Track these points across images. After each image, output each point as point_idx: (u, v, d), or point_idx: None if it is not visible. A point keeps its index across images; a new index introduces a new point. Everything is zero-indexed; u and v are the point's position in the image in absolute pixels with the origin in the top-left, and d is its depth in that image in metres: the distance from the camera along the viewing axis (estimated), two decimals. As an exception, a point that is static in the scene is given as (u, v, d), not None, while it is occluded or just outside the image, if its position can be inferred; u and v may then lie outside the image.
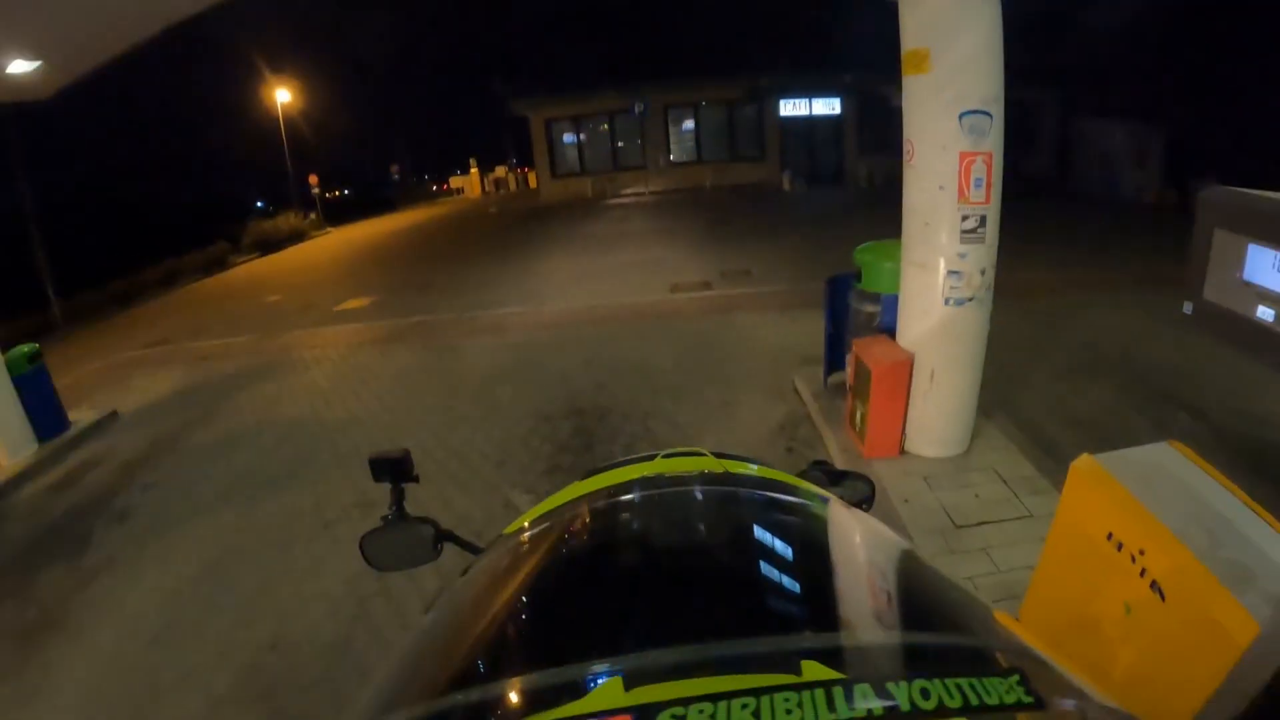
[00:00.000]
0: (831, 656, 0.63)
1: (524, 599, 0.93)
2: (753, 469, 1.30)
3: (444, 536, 1.55)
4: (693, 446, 1.34)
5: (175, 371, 8.87)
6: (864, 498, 1.51)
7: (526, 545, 1.07)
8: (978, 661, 0.67)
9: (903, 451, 4.46)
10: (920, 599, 0.86)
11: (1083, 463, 2.17)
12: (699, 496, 1.13)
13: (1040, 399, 5.30)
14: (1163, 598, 1.80)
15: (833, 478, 1.52)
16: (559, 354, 7.70)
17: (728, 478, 1.19)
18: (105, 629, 3.88)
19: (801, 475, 1.50)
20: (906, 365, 4.25)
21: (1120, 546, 1.96)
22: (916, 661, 0.69)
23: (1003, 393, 5.20)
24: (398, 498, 1.62)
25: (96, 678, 3.50)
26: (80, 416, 7.07)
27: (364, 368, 8.09)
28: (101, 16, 6.10)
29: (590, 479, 1.31)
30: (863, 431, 4.51)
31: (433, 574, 3.81)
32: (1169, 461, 2.11)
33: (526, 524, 1.16)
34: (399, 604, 3.73)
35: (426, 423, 6.18)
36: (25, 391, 6.38)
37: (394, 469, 1.62)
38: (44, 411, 6.59)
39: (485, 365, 7.64)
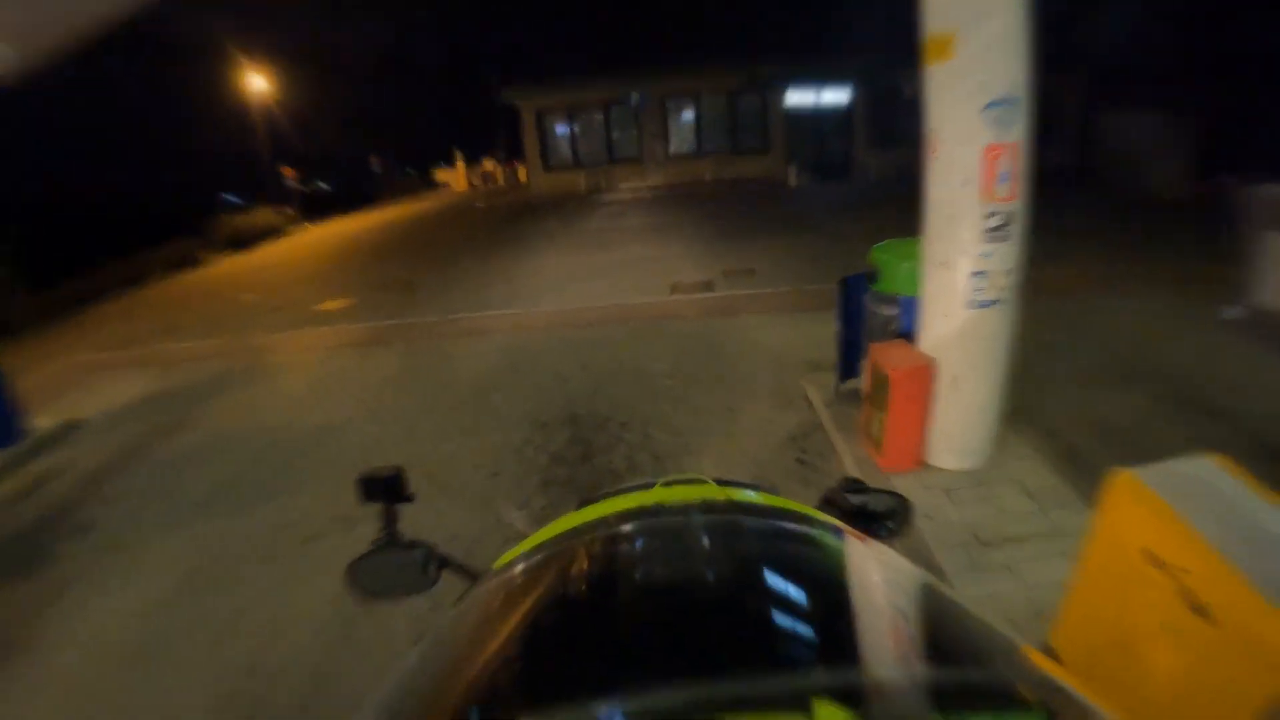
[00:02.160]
0: (845, 695, 0.62)
1: (519, 636, 0.92)
2: (757, 496, 1.30)
3: (441, 562, 1.52)
4: (693, 473, 1.36)
5: (143, 375, 8.83)
6: (898, 519, 1.49)
7: (520, 579, 1.07)
8: (1002, 697, 0.68)
9: (922, 463, 4.47)
10: (940, 633, 0.86)
11: (1120, 476, 2.18)
12: (701, 527, 1.12)
13: (1066, 406, 5.31)
14: (1206, 618, 1.81)
15: (865, 497, 1.49)
16: (553, 357, 7.70)
17: (731, 506, 1.20)
18: (68, 652, 3.84)
19: (830, 492, 1.50)
20: (927, 370, 4.26)
21: (1160, 564, 1.96)
22: (936, 698, 0.68)
23: (1025, 399, 5.21)
24: (390, 520, 1.57)
25: (60, 706, 3.46)
26: (39, 423, 7.03)
27: (345, 372, 8.08)
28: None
29: (586, 509, 1.31)
30: (880, 442, 4.51)
31: (423, 596, 3.81)
32: (1210, 475, 2.12)
33: (523, 555, 1.15)
34: (385, 627, 3.71)
35: (413, 431, 6.17)
36: (-21, 397, 6.33)
37: (386, 488, 1.57)
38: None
39: (475, 369, 7.64)
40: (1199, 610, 1.83)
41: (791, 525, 1.11)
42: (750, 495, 1.30)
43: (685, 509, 1.18)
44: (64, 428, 7.10)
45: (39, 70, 6.88)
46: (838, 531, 1.11)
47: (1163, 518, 1.98)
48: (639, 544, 1.10)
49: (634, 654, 0.80)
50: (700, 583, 0.97)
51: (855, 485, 1.50)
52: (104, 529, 5.13)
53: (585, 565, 1.07)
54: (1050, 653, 2.68)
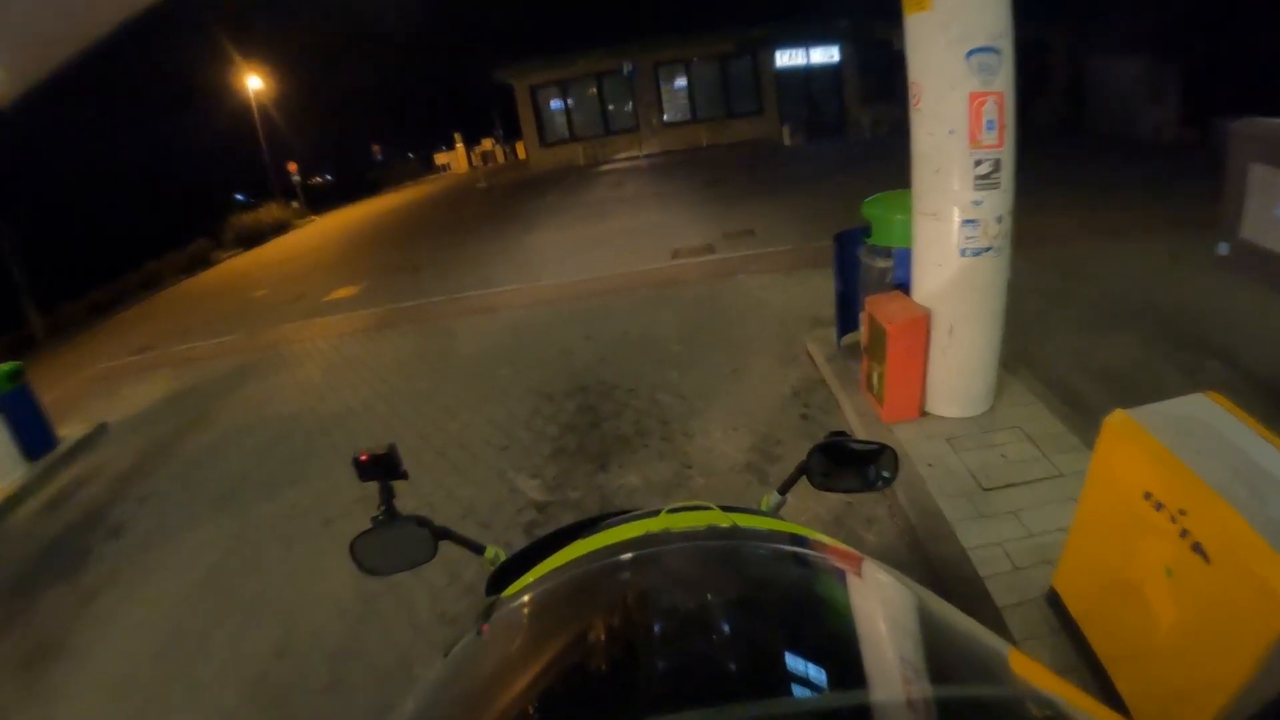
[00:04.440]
0: (848, 717, 0.64)
1: (531, 668, 0.92)
2: (760, 521, 1.31)
3: (440, 534, 1.54)
4: (698, 500, 1.36)
5: (163, 377, 8.88)
6: (888, 467, 1.50)
7: (528, 610, 1.07)
8: (1000, 712, 0.69)
9: (923, 413, 4.41)
10: (937, 648, 0.86)
11: (1115, 418, 2.12)
12: (707, 554, 1.12)
13: (1064, 351, 5.22)
14: (1206, 559, 1.76)
15: (852, 449, 1.49)
16: (558, 330, 7.65)
17: (736, 532, 1.20)
18: (109, 648, 3.89)
19: (820, 448, 1.47)
20: (923, 321, 4.17)
21: (1159, 506, 1.91)
22: (938, 716, 0.70)
23: (1025, 346, 5.12)
24: (387, 496, 1.60)
25: (104, 701, 3.51)
26: (69, 432, 7.09)
27: (357, 358, 8.07)
28: (58, 13, 5.98)
29: (592, 539, 1.31)
30: (880, 394, 4.45)
31: (441, 570, 3.82)
32: (1206, 413, 2.05)
33: (529, 585, 1.16)
34: (407, 602, 3.73)
35: (424, 410, 6.17)
36: (10, 411, 6.38)
37: (381, 466, 1.59)
38: (31, 430, 6.59)
39: (483, 346, 7.61)
40: (1199, 552, 1.78)
41: (791, 549, 1.12)
42: (753, 520, 1.30)
43: (692, 535, 1.18)
44: (91, 435, 7.14)
45: (30, 91, 6.80)
46: (834, 555, 1.11)
47: (1160, 459, 1.92)
48: (647, 573, 1.10)
49: (643, 681, 0.80)
50: (706, 609, 0.97)
51: (841, 437, 1.49)
52: (134, 529, 5.17)
53: (594, 595, 1.07)
54: (1054, 597, 2.64)
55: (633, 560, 1.10)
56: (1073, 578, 2.48)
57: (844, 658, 0.82)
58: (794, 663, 0.84)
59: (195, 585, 4.33)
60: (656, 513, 1.33)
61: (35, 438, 6.62)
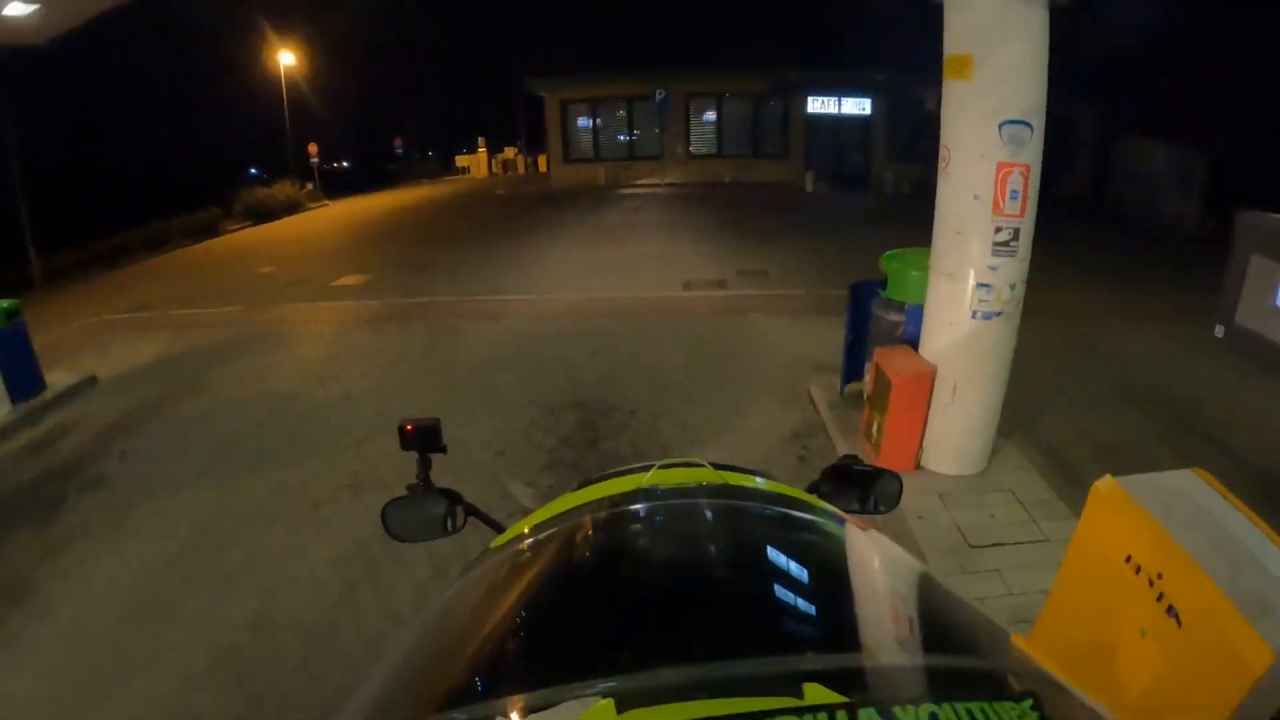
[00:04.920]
0: (835, 679, 0.61)
1: (513, 616, 0.93)
2: (755, 482, 1.32)
3: (468, 511, 1.60)
4: (690, 457, 1.37)
5: (160, 338, 8.93)
6: (890, 492, 1.57)
7: (516, 560, 1.07)
8: (990, 685, 0.68)
9: (918, 466, 4.53)
10: (931, 620, 0.87)
11: (1104, 484, 2.24)
12: (697, 510, 1.14)
13: (1062, 422, 5.37)
14: (1179, 623, 1.87)
15: (860, 472, 1.58)
16: (564, 345, 7.77)
17: (727, 490, 1.21)
18: (74, 601, 3.91)
19: (831, 469, 1.56)
20: (928, 377, 4.31)
21: (1138, 570, 2.02)
22: (926, 685, 0.70)
23: (1024, 413, 5.26)
24: (424, 468, 1.66)
25: (64, 651, 3.54)
26: (57, 379, 7.11)
27: (358, 346, 8.17)
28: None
29: (584, 490, 1.34)
30: (878, 443, 4.57)
31: (425, 562, 3.89)
32: (1192, 488, 2.17)
33: (521, 534, 1.17)
34: (387, 591, 3.78)
35: (423, 406, 6.17)
36: (2, 349, 6.40)
37: (423, 438, 1.66)
38: (19, 371, 6.60)
39: (486, 351, 7.72)
40: (1172, 615, 1.89)
41: (785, 510, 1.13)
42: (745, 479, 1.32)
43: (683, 491, 1.21)
44: (79, 385, 7.17)
45: (66, 31, 6.96)
46: (833, 517, 1.13)
47: (1143, 525, 2.04)
48: (635, 525, 1.12)
49: (628, 634, 0.81)
50: (694, 565, 0.99)
51: (854, 460, 1.59)
52: (112, 485, 5.22)
53: (582, 546, 1.09)
54: (1029, 654, 2.73)
55: (621, 514, 1.11)
56: (1051, 633, 2.57)
57: (834, 616, 0.84)
58: (780, 619, 0.86)
59: (172, 549, 4.36)
60: (648, 468, 1.33)
61: (23, 379, 6.62)
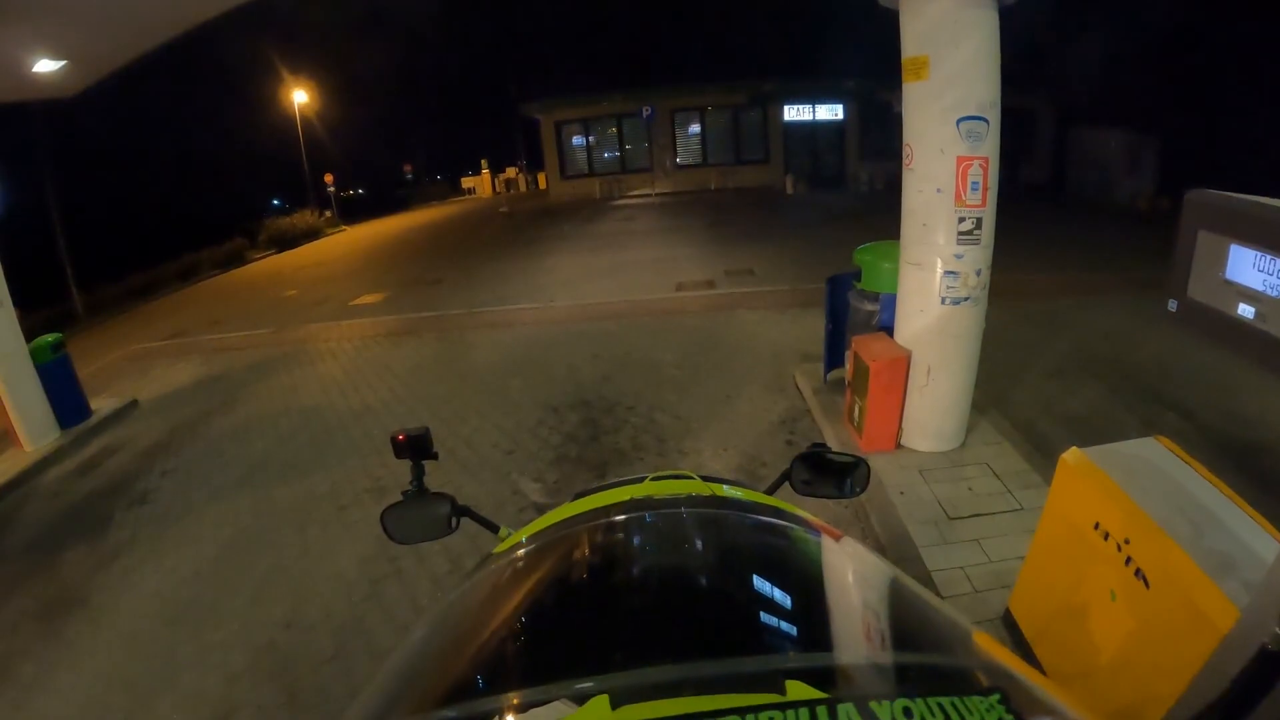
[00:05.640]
0: (815, 676, 0.62)
1: (512, 618, 0.93)
2: (740, 492, 1.31)
3: (461, 512, 1.59)
4: (680, 469, 1.37)
5: (194, 362, 8.93)
6: (859, 476, 1.55)
7: (516, 565, 1.07)
8: (959, 681, 0.68)
9: (899, 445, 4.48)
10: (903, 620, 0.87)
11: (1071, 455, 2.19)
12: (686, 519, 1.13)
13: (1033, 397, 5.31)
14: (1147, 585, 1.83)
15: (830, 460, 1.55)
16: (567, 348, 7.73)
17: (715, 500, 1.21)
18: (125, 607, 3.92)
19: (801, 457, 1.53)
20: (904, 362, 4.27)
21: (1106, 536, 1.98)
22: (900, 681, 0.69)
23: (996, 390, 5.22)
24: (418, 474, 1.66)
25: (116, 654, 3.54)
26: (101, 405, 7.13)
27: (378, 360, 8.13)
28: (126, 18, 6.14)
29: (579, 501, 1.33)
30: (860, 426, 4.53)
31: (443, 556, 3.86)
32: (1155, 456, 2.13)
33: (520, 542, 1.16)
34: (410, 585, 3.76)
35: (438, 412, 6.22)
36: (48, 380, 6.44)
37: (415, 446, 1.66)
38: (66, 399, 6.65)
39: (495, 358, 7.68)
40: (1140, 578, 1.85)
41: (768, 519, 1.12)
42: (731, 490, 1.31)
43: (673, 501, 1.20)
44: (123, 409, 7.18)
45: (95, 84, 6.94)
46: (811, 527, 1.12)
47: (1110, 493, 2.00)
48: (628, 535, 1.11)
49: (622, 635, 0.81)
50: (683, 571, 0.98)
51: (823, 449, 1.56)
52: (157, 500, 5.21)
53: (577, 554, 1.08)
54: (1009, 619, 2.70)
55: (614, 523, 1.11)
56: (1027, 601, 2.54)
57: (814, 619, 0.83)
58: (764, 622, 0.85)
59: (212, 556, 4.35)
60: (641, 479, 1.35)
61: (70, 407, 6.67)
